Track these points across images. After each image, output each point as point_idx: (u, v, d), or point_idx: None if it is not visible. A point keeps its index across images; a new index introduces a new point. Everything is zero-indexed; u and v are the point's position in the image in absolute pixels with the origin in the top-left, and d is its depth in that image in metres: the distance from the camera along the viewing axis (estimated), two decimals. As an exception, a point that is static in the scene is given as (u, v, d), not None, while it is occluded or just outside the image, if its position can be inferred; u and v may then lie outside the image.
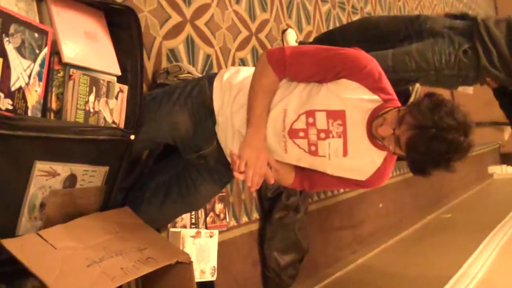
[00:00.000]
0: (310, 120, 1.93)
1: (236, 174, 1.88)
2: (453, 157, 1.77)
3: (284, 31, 3.65)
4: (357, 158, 1.97)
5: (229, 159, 2.13)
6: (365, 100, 1.90)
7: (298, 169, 2.10)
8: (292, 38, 3.59)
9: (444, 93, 4.36)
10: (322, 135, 1.94)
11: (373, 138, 1.93)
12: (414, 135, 1.75)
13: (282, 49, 1.99)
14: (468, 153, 1.78)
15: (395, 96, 1.96)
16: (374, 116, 1.90)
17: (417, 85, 4.07)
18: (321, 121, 1.93)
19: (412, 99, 3.95)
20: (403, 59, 3.00)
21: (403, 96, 3.88)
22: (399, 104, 1.94)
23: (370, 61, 1.92)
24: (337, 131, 1.93)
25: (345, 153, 1.96)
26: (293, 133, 1.97)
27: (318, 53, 1.97)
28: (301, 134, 1.96)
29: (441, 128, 1.72)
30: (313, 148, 1.97)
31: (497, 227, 5.26)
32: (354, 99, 1.90)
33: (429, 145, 1.73)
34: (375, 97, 1.91)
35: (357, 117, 1.91)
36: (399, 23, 3.24)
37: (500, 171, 9.21)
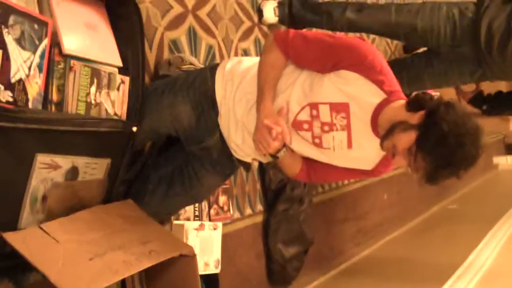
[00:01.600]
0: (314, 112, 1.91)
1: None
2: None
3: None
4: (362, 149, 1.95)
5: (234, 152, 2.12)
6: (368, 94, 1.87)
7: (305, 160, 2.08)
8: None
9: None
10: (326, 128, 1.92)
11: (377, 131, 1.90)
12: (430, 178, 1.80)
13: (287, 31, 1.98)
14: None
15: (398, 87, 1.93)
16: (379, 111, 1.87)
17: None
18: (325, 114, 1.90)
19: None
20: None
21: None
22: (403, 96, 1.91)
23: (371, 52, 1.88)
24: (341, 124, 1.90)
25: (349, 145, 1.94)
26: (297, 125, 1.95)
27: (320, 38, 1.95)
28: (305, 126, 1.94)
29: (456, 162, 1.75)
30: (317, 140, 1.95)
31: (504, 217, 5.24)
32: (357, 92, 1.87)
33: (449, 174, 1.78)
34: (378, 90, 1.88)
35: (361, 110, 1.89)
36: (394, 31, 3.17)
37: (505, 161, 9.16)
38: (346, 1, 3.27)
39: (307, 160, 2.08)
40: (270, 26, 3.36)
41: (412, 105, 1.83)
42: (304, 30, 1.97)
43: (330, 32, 1.95)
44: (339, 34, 1.94)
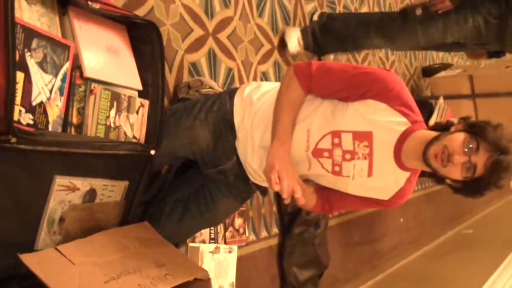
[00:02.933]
0: (336, 140, 1.91)
1: (274, 185, 1.82)
2: None
3: None
4: (381, 179, 1.95)
5: (251, 177, 2.11)
6: (393, 122, 1.88)
7: (319, 191, 2.08)
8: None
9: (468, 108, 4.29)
10: (348, 156, 1.92)
11: (399, 159, 1.91)
12: (500, 160, 1.77)
13: (309, 63, 1.97)
14: None
15: (421, 118, 1.94)
16: (403, 139, 1.88)
17: (441, 100, 4.04)
18: (347, 142, 1.90)
19: (435, 115, 3.93)
20: None
21: (427, 112, 3.86)
22: (425, 126, 1.92)
23: (397, 83, 1.90)
24: (363, 152, 1.90)
25: (369, 174, 1.93)
26: (317, 153, 1.94)
27: (345, 70, 1.95)
28: (326, 154, 1.94)
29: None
30: (337, 168, 1.94)
31: (521, 244, 5.19)
32: (382, 120, 1.88)
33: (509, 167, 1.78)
34: (403, 119, 1.89)
35: (384, 139, 1.89)
36: (425, 49, 3.32)
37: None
38: (366, 24, 3.25)
39: (321, 193, 2.08)
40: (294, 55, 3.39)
41: (439, 127, 1.91)
42: (327, 62, 1.97)
43: (352, 64, 1.96)
44: (363, 66, 1.95)
